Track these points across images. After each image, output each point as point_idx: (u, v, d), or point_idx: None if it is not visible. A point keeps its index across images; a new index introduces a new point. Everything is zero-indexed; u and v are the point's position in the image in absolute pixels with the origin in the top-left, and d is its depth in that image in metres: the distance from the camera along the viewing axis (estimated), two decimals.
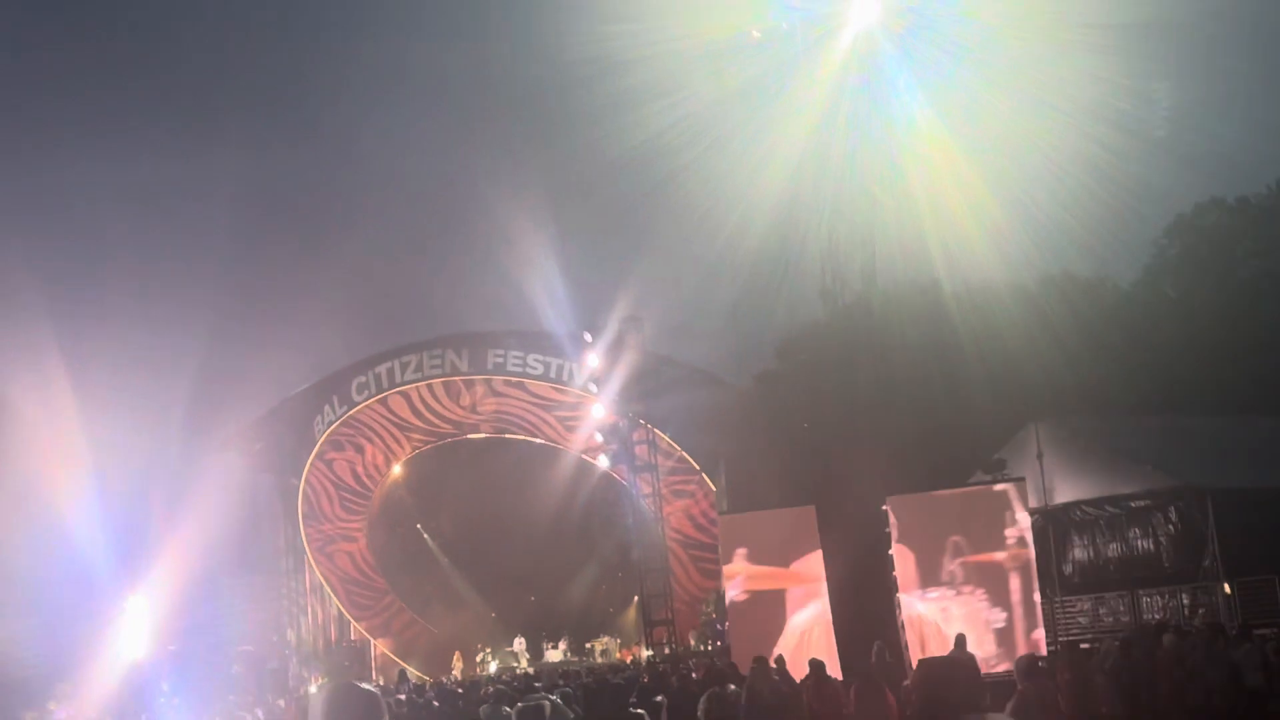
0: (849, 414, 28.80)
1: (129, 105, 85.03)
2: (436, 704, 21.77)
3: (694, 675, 23.22)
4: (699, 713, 17.36)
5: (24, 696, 31.50)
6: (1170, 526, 27.49)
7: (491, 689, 20.20)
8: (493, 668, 40.22)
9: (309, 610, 44.53)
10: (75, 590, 35.03)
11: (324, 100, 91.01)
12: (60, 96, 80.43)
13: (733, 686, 17.56)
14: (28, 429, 35.45)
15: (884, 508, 25.51)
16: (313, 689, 34.33)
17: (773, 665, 17.63)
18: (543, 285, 37.60)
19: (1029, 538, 25.42)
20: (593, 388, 36.06)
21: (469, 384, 41.63)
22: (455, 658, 42.42)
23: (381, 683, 34.21)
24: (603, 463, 38.46)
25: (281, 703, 25.70)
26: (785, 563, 26.33)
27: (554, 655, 40.25)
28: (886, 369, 30.23)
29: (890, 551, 25.19)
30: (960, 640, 19.49)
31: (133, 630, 34.32)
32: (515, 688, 21.48)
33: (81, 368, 35.94)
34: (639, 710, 12.83)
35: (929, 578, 25.11)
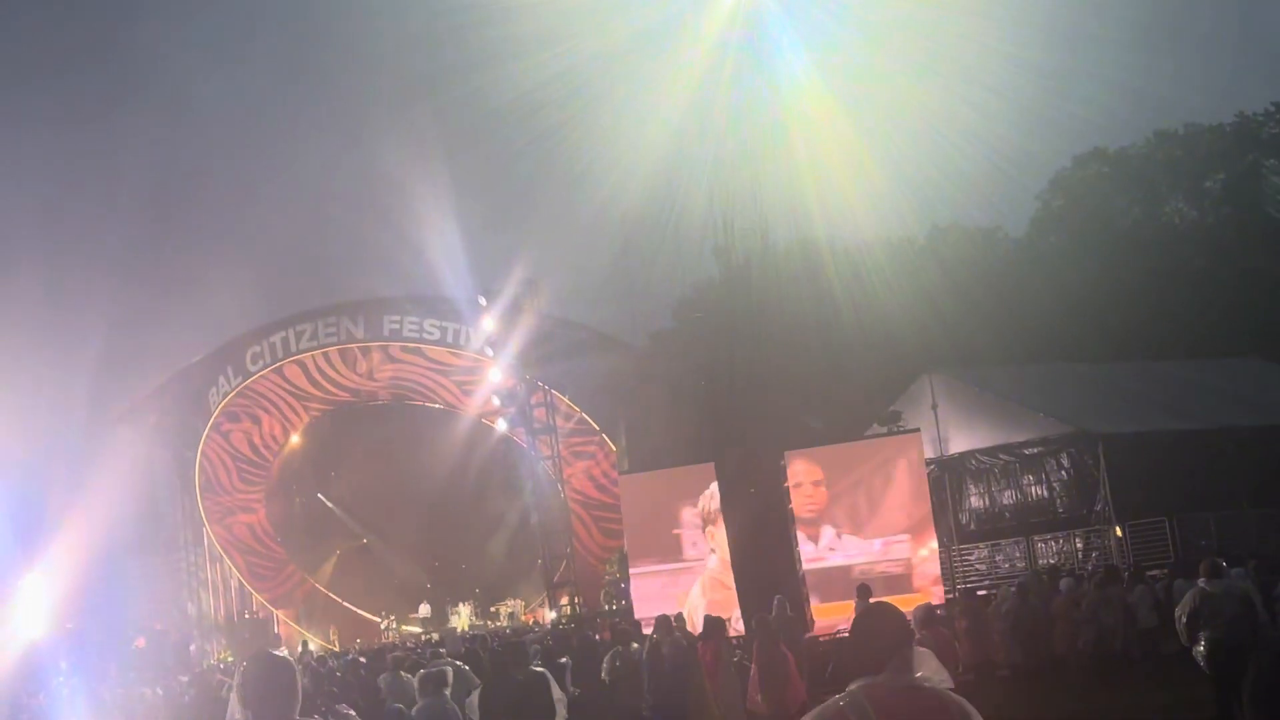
0: (745, 371, 28.95)
1: (29, 70, 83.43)
2: (339, 674, 21.70)
3: (598, 636, 23.37)
4: (602, 672, 17.47)
5: None
6: (1063, 472, 28.03)
7: (393, 657, 20.13)
8: (395, 635, 40.13)
9: (209, 584, 44.07)
10: None
11: (210, 65, 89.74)
12: None
13: (635, 645, 17.70)
14: None
15: (782, 463, 25.70)
16: (219, 663, 34.07)
17: (674, 623, 17.79)
18: (437, 248, 37.36)
19: (925, 488, 25.77)
20: (489, 351, 35.89)
21: (365, 351, 41.36)
22: (359, 627, 42.32)
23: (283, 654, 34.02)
24: (501, 426, 38.34)
25: (185, 678, 25.43)
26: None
27: (459, 620, 40.19)
28: (780, 325, 30.44)
29: (789, 506, 25.38)
30: (863, 590, 19.74)
31: (29, 609, 33.82)
32: (419, 655, 21.48)
33: None
34: (540, 669, 12.84)
35: (827, 530, 25.39)
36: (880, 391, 31.69)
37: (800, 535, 25.40)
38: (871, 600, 19.61)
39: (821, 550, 25.79)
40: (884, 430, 28.29)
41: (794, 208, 34.24)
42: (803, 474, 26.03)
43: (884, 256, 37.61)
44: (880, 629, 4.96)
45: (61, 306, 46.30)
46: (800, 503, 25.76)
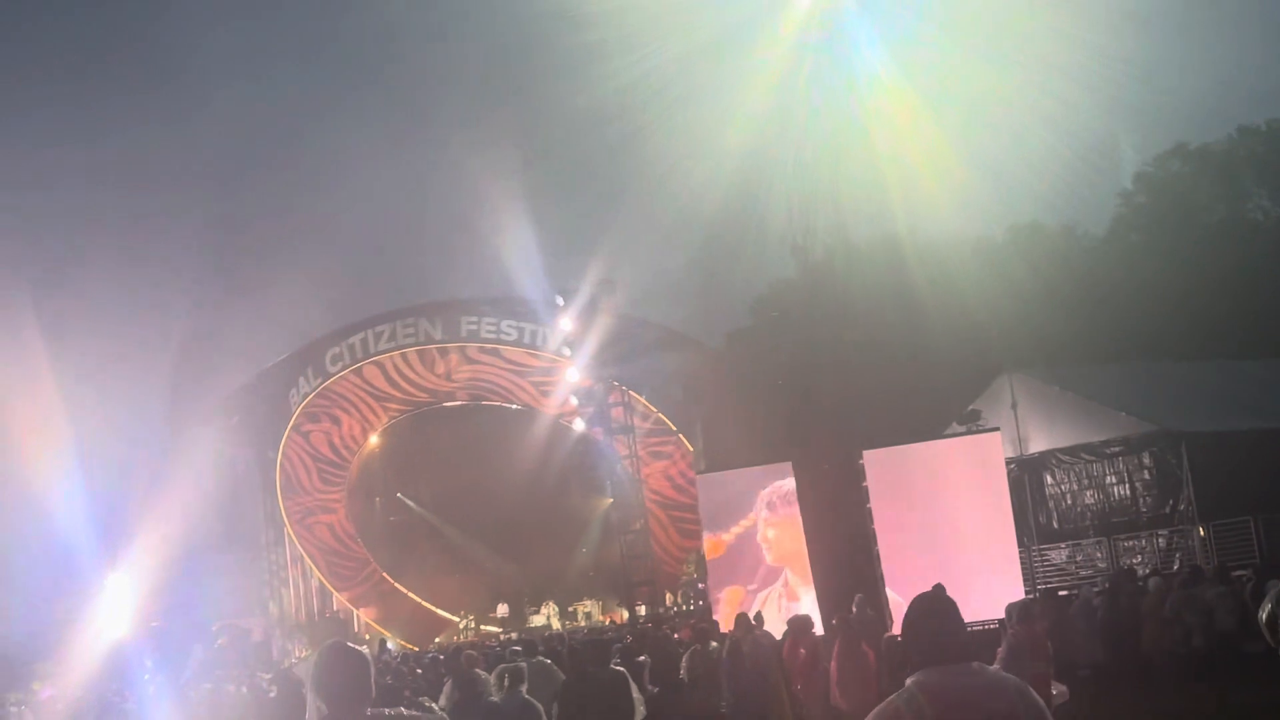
0: (822, 369, 28.86)
1: (107, 81, 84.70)
2: (419, 671, 21.83)
3: (676, 635, 23.36)
4: (681, 671, 17.49)
5: (7, 677, 31.43)
6: (1145, 472, 27.67)
7: (466, 654, 20.22)
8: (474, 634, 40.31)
9: (290, 583, 44.52)
10: (55, 569, 34.94)
11: (293, 70, 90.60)
12: (34, 75, 79.93)
13: (714, 644, 17.68)
14: (5, 405, 35.30)
15: (860, 462, 25.58)
16: (299, 660, 34.35)
17: (753, 622, 17.75)
18: (515, 250, 37.54)
19: (1005, 488, 25.53)
20: (566, 351, 35.98)
21: (443, 352, 41.61)
22: (438, 626, 42.56)
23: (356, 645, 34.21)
24: (579, 426, 38.45)
25: (267, 676, 25.65)
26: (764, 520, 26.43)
27: (537, 620, 40.32)
28: (858, 323, 30.33)
29: (868, 505, 25.26)
30: (939, 589, 19.62)
31: (114, 608, 34.19)
32: (497, 653, 21.57)
33: (59, 344, 35.74)
34: (620, 668, 12.87)
35: (907, 530, 25.20)
36: (959, 390, 31.44)
37: (878, 534, 25.25)
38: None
39: (900, 549, 25.60)
40: (963, 429, 28.05)
41: (875, 205, 34.15)
42: (881, 472, 25.84)
43: (967, 253, 37.33)
44: (929, 618, 4.93)
45: (145, 309, 46.91)
46: (879, 502, 25.60)
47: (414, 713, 5.96)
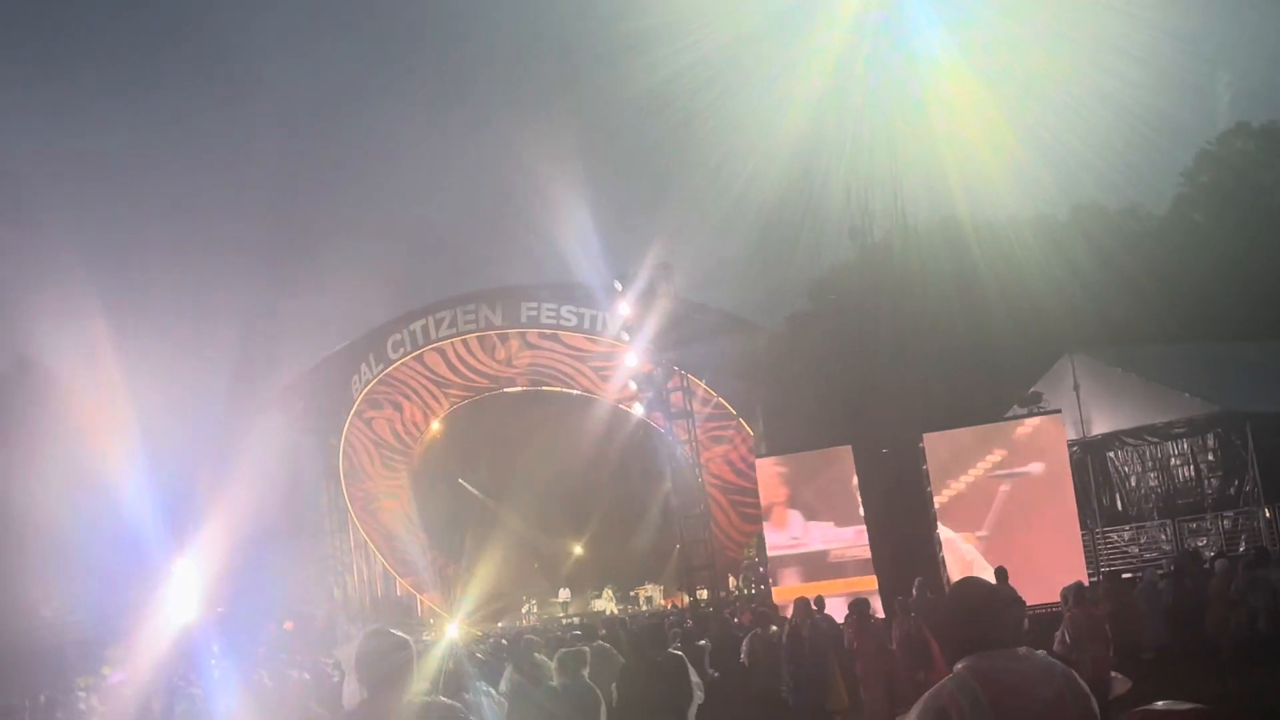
0: (882, 352, 28.76)
1: (167, 69, 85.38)
2: (479, 656, 21.95)
3: (737, 620, 23.38)
4: (742, 655, 17.50)
5: (78, 662, 31.86)
6: (1209, 453, 27.41)
7: (526, 639, 20.30)
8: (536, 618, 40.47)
9: (354, 568, 44.92)
10: (125, 556, 35.35)
11: (351, 60, 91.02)
12: (94, 65, 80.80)
13: (775, 628, 17.70)
14: (74, 394, 35.76)
15: (920, 445, 25.51)
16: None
17: (814, 606, 17.75)
18: (573, 235, 37.54)
19: (1067, 470, 25.37)
20: (625, 336, 35.99)
21: (503, 338, 41.78)
22: (500, 611, 42.78)
23: (427, 638, 34.44)
24: (638, 411, 38.51)
25: (331, 661, 25.90)
26: (823, 503, 26.41)
27: (599, 605, 40.47)
28: (917, 306, 30.18)
29: (928, 488, 25.20)
30: (1001, 574, 19.52)
31: (181, 594, 34.56)
32: (558, 637, 21.65)
33: (125, 331, 36.17)
34: (678, 652, 12.90)
35: (967, 512, 25.10)
36: (1020, 372, 31.23)
37: (938, 516, 25.18)
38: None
39: (960, 532, 25.51)
40: (1024, 412, 27.86)
41: (934, 186, 33.92)
42: (942, 455, 25.74)
43: (1027, 233, 37.02)
44: (975, 604, 4.92)
45: (209, 298, 47.36)
46: (939, 484, 25.52)
47: (449, 701, 6.00)
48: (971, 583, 5.22)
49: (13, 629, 37.36)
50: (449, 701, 5.91)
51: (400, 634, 5.67)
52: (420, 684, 5.59)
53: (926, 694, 4.81)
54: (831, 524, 26.05)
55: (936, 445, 25.70)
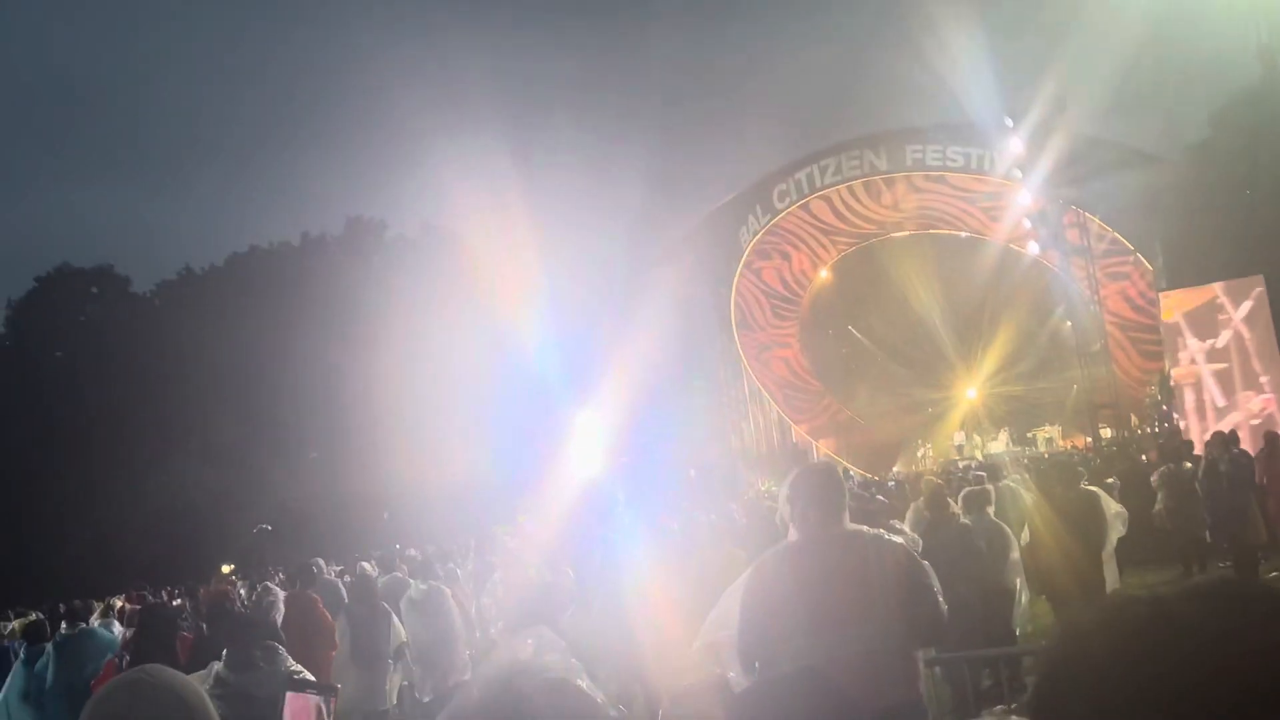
0: None
1: None
2: (880, 498, 22.18)
3: (1144, 457, 22.89)
4: (1154, 486, 17.17)
5: (497, 514, 33.65)
6: None
7: (928, 481, 20.43)
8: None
9: (750, 417, 45.78)
10: (535, 410, 37.07)
11: None
12: None
13: (1188, 465, 17.27)
14: (484, 256, 37.48)
15: None
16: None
17: (1227, 439, 17.23)
18: (961, 73, 36.60)
19: None
20: (1017, 174, 35.12)
21: (889, 182, 41.40)
22: (895, 455, 43.03)
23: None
24: (1032, 249, 37.64)
25: (734, 505, 26.55)
26: (1233, 337, 25.47)
27: (995, 447, 40.11)
28: None
29: None
30: None
31: (585, 445, 35.97)
32: (959, 478, 21.69)
33: (531, 192, 37.59)
34: (1092, 488, 12.79)
35: None
36: None
37: None
38: None
39: None
40: None
41: None
42: None
43: None
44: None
45: (607, 157, 48.56)
46: None
47: (885, 534, 6.18)
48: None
49: (436, 483, 39.87)
50: (884, 534, 6.10)
51: (831, 465, 5.91)
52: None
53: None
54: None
55: None
